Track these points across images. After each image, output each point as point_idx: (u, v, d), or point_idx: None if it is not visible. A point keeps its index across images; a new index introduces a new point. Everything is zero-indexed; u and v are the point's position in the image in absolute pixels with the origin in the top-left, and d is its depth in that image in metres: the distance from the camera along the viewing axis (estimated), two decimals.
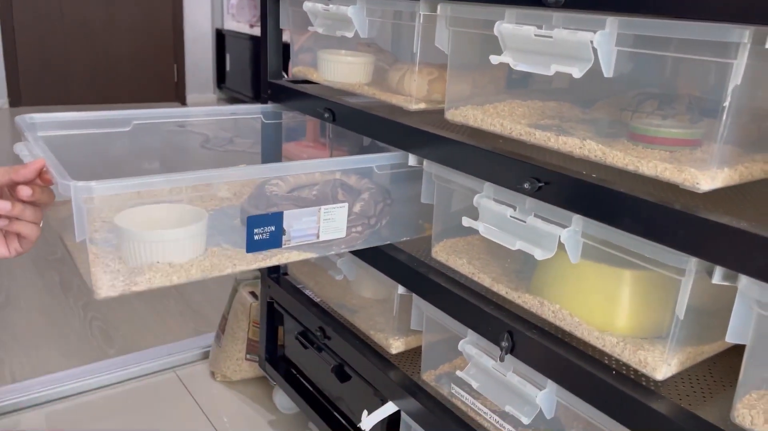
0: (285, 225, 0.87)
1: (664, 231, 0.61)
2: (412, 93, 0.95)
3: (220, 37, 4.75)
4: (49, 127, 0.97)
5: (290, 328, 1.34)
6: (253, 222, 0.84)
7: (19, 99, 4.31)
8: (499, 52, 0.76)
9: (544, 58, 0.70)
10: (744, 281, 0.57)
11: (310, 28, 1.07)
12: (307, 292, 1.30)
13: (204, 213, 0.85)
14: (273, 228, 0.86)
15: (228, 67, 4.68)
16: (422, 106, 0.95)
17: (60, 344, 1.71)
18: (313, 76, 1.15)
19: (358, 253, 1.07)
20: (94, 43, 4.46)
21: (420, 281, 0.94)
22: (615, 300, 0.73)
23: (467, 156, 0.82)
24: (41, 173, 0.73)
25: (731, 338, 0.60)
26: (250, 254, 0.86)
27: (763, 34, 0.53)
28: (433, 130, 0.88)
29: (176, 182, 0.79)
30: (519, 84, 1.00)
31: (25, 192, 0.70)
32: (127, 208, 0.78)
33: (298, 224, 0.88)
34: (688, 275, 0.62)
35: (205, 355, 1.66)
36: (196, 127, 1.29)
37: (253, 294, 1.51)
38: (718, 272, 0.59)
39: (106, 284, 0.78)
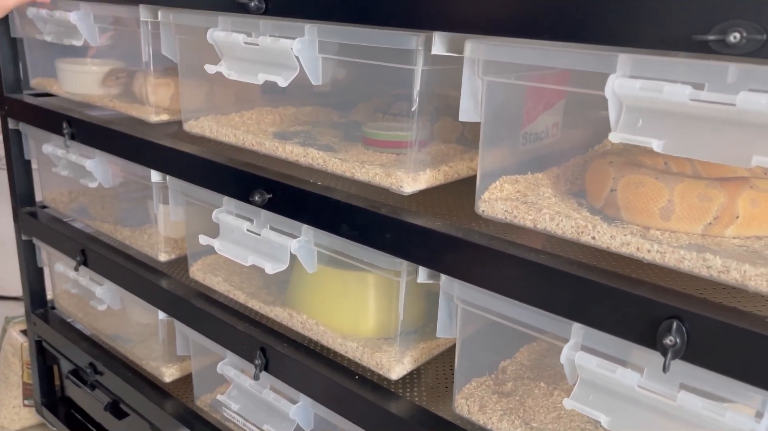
0: None
1: (375, 235, 0.62)
2: (151, 104, 0.88)
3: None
4: None
5: (64, 367, 1.21)
6: None
7: None
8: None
9: (254, 67, 0.68)
10: (443, 278, 0.59)
11: (38, 36, 0.97)
12: (79, 326, 1.18)
13: None
14: None
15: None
16: (164, 117, 0.89)
17: None
18: (53, 88, 1.04)
19: (117, 280, 0.99)
20: None
21: (177, 304, 0.89)
22: (351, 305, 0.73)
23: (202, 169, 0.78)
24: None
25: (441, 333, 0.62)
26: None
27: (430, 39, 0.55)
28: (169, 143, 0.82)
29: None
30: (276, 90, 0.98)
31: None
32: None
33: None
34: (402, 276, 0.63)
35: None
36: None
37: (24, 332, 1.35)
38: (422, 272, 0.60)
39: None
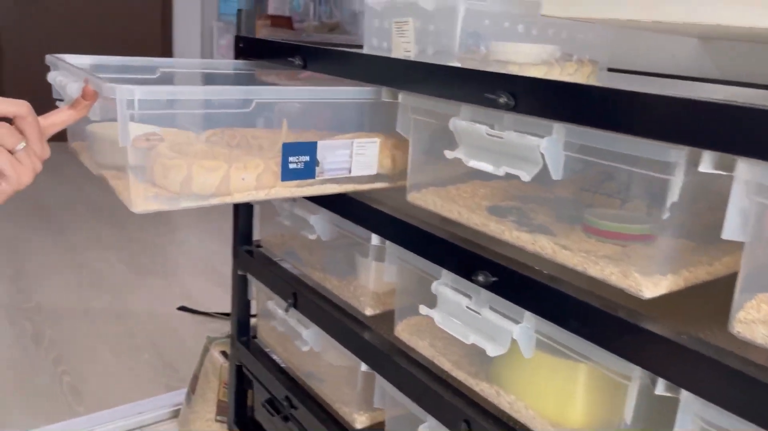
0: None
1: (609, 337, 0.62)
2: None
3: (209, 76, 4.80)
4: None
5: (258, 393, 1.32)
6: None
7: None
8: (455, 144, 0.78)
9: (495, 158, 0.71)
10: (685, 394, 0.57)
11: None
12: (275, 357, 1.29)
13: None
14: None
15: None
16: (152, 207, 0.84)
17: (28, 401, 1.67)
18: None
19: (324, 326, 1.07)
20: None
21: (382, 360, 0.94)
22: (568, 395, 0.73)
23: (425, 241, 0.83)
24: (84, 90, 0.73)
25: None
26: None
27: (698, 155, 0.55)
28: (395, 213, 0.88)
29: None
30: None
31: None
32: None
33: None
34: (633, 381, 0.63)
35: (175, 414, 1.64)
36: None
37: (224, 354, 1.50)
38: (661, 383, 0.59)
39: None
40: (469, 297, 0.78)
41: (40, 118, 0.68)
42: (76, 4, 4.43)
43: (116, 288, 2.36)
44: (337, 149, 0.89)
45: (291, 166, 0.86)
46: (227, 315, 2.12)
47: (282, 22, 3.67)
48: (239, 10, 1.17)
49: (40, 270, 2.49)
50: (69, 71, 0.87)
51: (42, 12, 4.33)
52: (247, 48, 1.14)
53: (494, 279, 0.73)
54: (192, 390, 1.54)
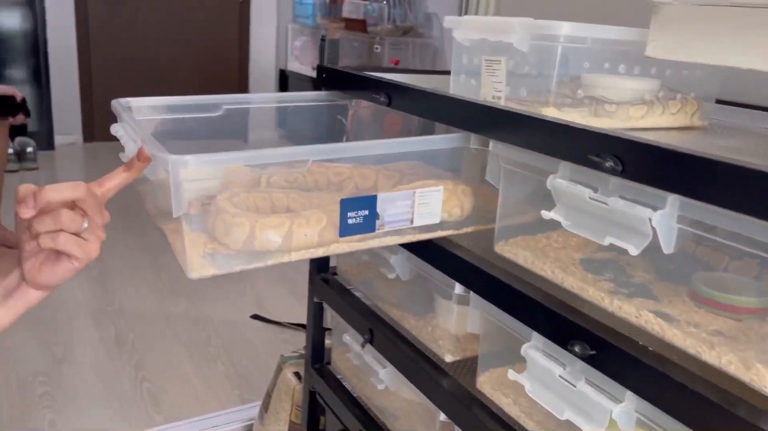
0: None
1: None
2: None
3: (284, 77, 4.87)
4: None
5: (330, 421, 1.32)
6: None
7: (92, 135, 4.53)
8: (552, 201, 0.73)
9: (599, 225, 0.66)
10: None
11: None
12: (346, 384, 1.28)
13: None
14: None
15: None
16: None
17: (109, 406, 1.74)
18: None
19: (401, 368, 1.04)
20: (163, 83, 4.67)
21: (462, 413, 0.91)
22: None
23: (514, 298, 0.79)
24: (139, 152, 0.70)
25: None
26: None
27: None
28: (483, 265, 0.84)
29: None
30: None
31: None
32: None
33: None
34: None
35: (248, 428, 1.66)
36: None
37: (297, 375, 1.51)
38: None
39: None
40: (563, 365, 0.73)
41: (95, 185, 0.67)
42: (160, 6, 4.60)
43: (193, 293, 2.43)
44: (398, 200, 0.84)
45: (350, 221, 0.81)
46: (299, 326, 2.15)
47: (356, 25, 3.67)
48: (323, 38, 1.16)
49: (123, 271, 2.59)
50: (130, 128, 0.85)
51: (130, 13, 4.52)
52: (330, 79, 1.13)
53: (592, 352, 0.68)
54: (265, 407, 1.56)
